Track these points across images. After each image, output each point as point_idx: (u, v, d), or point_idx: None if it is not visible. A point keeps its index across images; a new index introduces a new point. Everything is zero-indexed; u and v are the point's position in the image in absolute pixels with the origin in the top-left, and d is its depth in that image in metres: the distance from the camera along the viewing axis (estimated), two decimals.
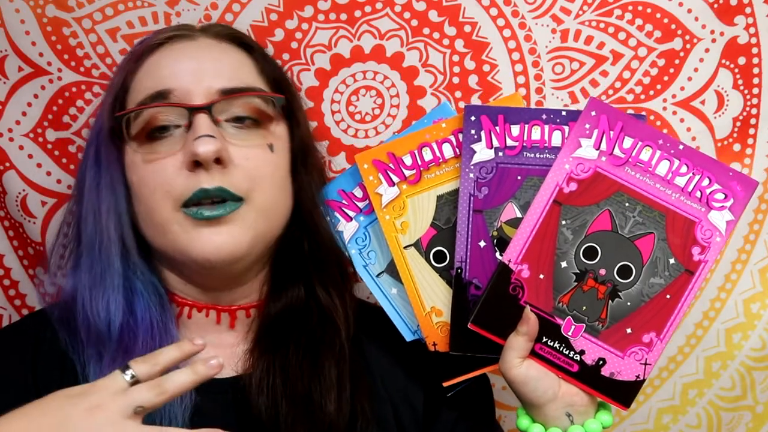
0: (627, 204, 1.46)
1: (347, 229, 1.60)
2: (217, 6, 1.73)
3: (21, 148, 1.78)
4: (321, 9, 1.74)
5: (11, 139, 1.78)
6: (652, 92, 1.82)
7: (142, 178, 1.45)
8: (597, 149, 1.46)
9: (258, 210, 1.45)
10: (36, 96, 1.76)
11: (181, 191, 1.41)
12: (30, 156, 1.79)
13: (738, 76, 1.84)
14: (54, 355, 1.47)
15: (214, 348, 1.51)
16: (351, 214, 1.60)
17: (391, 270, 1.59)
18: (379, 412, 1.54)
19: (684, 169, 1.46)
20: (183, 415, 1.39)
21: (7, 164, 1.79)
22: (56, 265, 1.58)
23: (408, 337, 1.58)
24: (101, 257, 1.48)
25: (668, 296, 1.46)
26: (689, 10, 1.78)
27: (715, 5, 1.78)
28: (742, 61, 1.83)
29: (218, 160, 1.40)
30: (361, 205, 1.60)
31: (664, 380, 2.00)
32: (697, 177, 1.46)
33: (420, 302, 1.54)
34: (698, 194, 1.46)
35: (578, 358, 1.46)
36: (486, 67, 1.79)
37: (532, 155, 1.51)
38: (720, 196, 1.46)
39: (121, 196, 1.49)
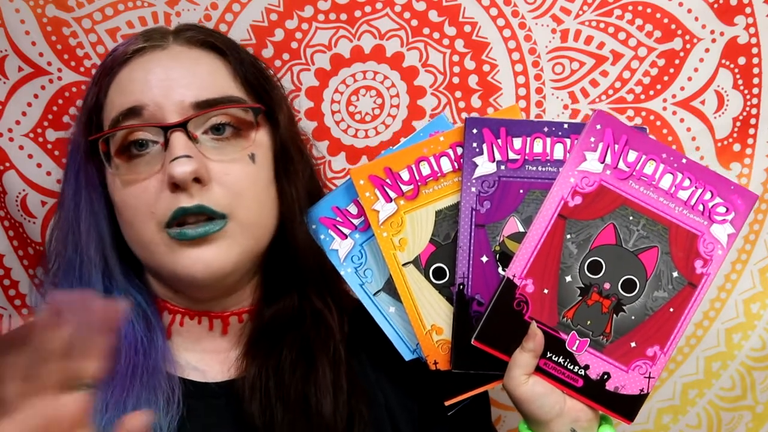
0: (631, 218, 1.46)
1: (342, 247, 1.56)
2: (217, 6, 1.74)
3: (21, 148, 1.79)
4: (321, 9, 1.75)
5: (11, 139, 1.78)
6: (652, 92, 1.83)
7: (124, 201, 1.43)
8: (602, 163, 1.46)
9: (242, 226, 1.43)
10: (36, 96, 1.76)
11: (163, 212, 1.39)
12: (30, 156, 1.80)
13: (738, 76, 1.85)
14: None
15: (207, 354, 1.53)
16: (346, 231, 1.56)
17: (389, 288, 1.56)
18: (376, 415, 1.54)
19: (687, 182, 1.46)
20: (170, 424, 1.39)
21: (7, 164, 1.80)
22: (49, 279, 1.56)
23: (407, 356, 1.55)
24: (82, 279, 1.47)
25: (671, 309, 1.46)
26: (689, 10, 1.79)
27: (715, 5, 1.79)
28: (742, 61, 1.83)
29: (197, 179, 1.38)
30: (356, 222, 1.57)
31: (664, 380, 2.02)
32: (699, 191, 1.47)
33: (420, 320, 1.51)
34: (701, 208, 1.47)
35: (583, 373, 1.46)
36: (486, 67, 1.80)
37: (534, 168, 1.49)
38: (722, 209, 1.47)
39: (102, 216, 1.48)
